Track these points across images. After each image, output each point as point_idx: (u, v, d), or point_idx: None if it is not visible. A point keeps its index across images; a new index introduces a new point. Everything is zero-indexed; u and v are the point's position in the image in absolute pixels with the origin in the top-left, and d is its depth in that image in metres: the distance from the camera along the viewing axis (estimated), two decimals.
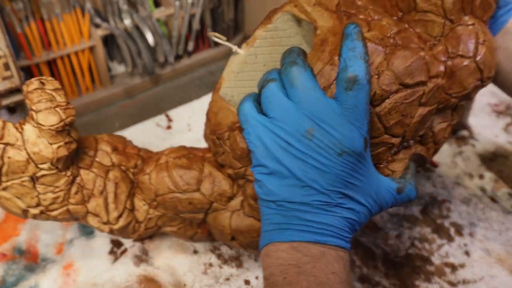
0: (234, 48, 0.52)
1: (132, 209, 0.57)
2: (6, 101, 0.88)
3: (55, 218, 0.55)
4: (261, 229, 0.41)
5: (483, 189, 0.74)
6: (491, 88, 0.95)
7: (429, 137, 0.48)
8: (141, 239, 0.64)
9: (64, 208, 0.54)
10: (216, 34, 0.53)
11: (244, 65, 0.52)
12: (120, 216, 0.55)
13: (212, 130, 0.51)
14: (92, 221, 0.56)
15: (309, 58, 0.42)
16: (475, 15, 0.46)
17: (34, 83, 0.51)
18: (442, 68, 0.44)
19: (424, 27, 0.45)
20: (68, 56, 1.25)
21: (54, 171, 0.51)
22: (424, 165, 0.51)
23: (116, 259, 0.63)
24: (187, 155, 0.56)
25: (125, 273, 0.61)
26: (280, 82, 0.38)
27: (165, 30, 1.36)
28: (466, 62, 0.45)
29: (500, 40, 0.50)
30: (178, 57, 1.35)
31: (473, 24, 0.45)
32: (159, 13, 1.33)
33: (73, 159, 0.54)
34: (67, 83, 1.31)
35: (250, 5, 1.53)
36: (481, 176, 0.76)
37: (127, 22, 1.27)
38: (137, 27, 1.28)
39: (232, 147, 0.48)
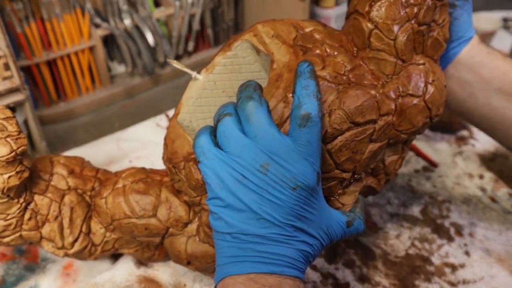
0: (193, 74, 0.53)
1: (88, 233, 0.56)
2: (6, 101, 0.88)
3: (7, 244, 0.54)
4: (215, 263, 0.41)
5: (483, 189, 0.74)
6: None
7: (380, 169, 0.49)
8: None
9: (17, 235, 0.53)
10: (174, 61, 0.54)
11: (203, 91, 0.52)
12: (75, 240, 0.55)
13: (169, 158, 0.51)
14: (46, 246, 0.55)
15: (264, 93, 0.43)
16: (426, 54, 0.48)
17: None
18: (392, 106, 0.45)
19: (377, 65, 0.46)
20: (68, 56, 1.25)
21: (5, 200, 0.51)
22: (375, 194, 0.52)
23: (116, 259, 0.63)
24: (144, 179, 0.56)
25: (125, 273, 0.61)
26: (236, 117, 0.39)
27: (165, 30, 1.36)
28: (415, 101, 0.46)
29: (452, 70, 0.53)
30: (178, 57, 1.35)
31: (423, 64, 0.47)
32: (159, 13, 1.33)
33: (26, 185, 0.53)
34: (67, 83, 1.30)
35: (250, 5, 1.53)
36: (481, 176, 0.76)
37: (127, 22, 1.27)
38: (137, 27, 1.28)
39: (187, 177, 0.49)
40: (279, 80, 0.43)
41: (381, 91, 0.45)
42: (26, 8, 1.15)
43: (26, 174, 0.51)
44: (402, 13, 0.45)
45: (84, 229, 0.56)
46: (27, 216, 0.53)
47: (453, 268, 0.63)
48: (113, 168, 0.78)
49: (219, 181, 0.38)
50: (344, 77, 0.44)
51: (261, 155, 0.38)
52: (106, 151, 0.82)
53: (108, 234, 0.57)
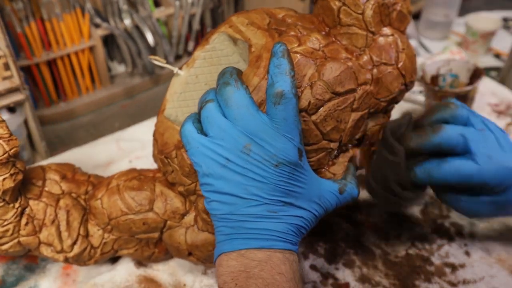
0: (175, 69, 0.54)
1: (86, 235, 0.56)
2: (6, 101, 0.88)
3: (5, 252, 0.54)
4: (215, 241, 0.44)
5: None
6: (491, 88, 0.95)
7: (365, 140, 0.52)
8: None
9: (15, 241, 0.54)
10: (157, 57, 0.55)
11: (186, 86, 0.54)
12: (74, 243, 0.55)
13: (160, 150, 0.52)
14: (45, 251, 0.55)
15: (246, 74, 0.45)
16: (393, 26, 0.51)
17: None
18: (369, 76, 0.48)
19: (349, 40, 0.49)
20: (68, 56, 1.25)
21: (1, 204, 0.51)
22: (362, 167, 0.53)
23: (116, 259, 0.63)
24: (137, 177, 0.56)
25: (125, 273, 0.61)
26: (217, 102, 0.41)
27: (165, 30, 1.35)
28: (389, 69, 0.49)
29: None
30: (178, 57, 1.34)
31: (392, 35, 0.50)
32: (159, 13, 1.32)
33: (21, 191, 0.53)
34: (67, 83, 1.30)
35: (250, 5, 1.52)
36: None
37: (127, 22, 1.27)
38: (137, 27, 1.28)
39: (180, 164, 0.50)
40: (259, 60, 0.45)
41: (356, 63, 0.48)
42: (26, 8, 1.14)
43: (20, 177, 0.51)
44: None
45: (82, 231, 0.56)
46: (23, 221, 0.53)
47: (453, 268, 0.63)
48: (113, 168, 0.78)
49: (206, 167, 0.40)
50: (320, 52, 0.46)
51: (242, 136, 0.39)
52: (106, 151, 0.82)
53: (106, 235, 0.57)
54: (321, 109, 0.45)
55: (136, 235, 0.56)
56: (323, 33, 0.50)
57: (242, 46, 0.51)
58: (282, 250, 0.41)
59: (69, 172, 0.59)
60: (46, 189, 0.56)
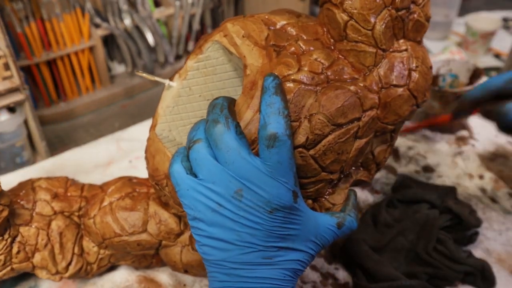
0: (166, 82, 0.50)
1: (81, 253, 0.56)
2: (6, 101, 0.88)
3: (0, 278, 0.54)
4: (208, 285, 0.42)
5: (483, 189, 0.74)
6: None
7: (370, 161, 0.48)
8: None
9: (8, 269, 0.53)
10: (144, 73, 0.51)
11: (179, 99, 0.51)
12: (69, 264, 0.55)
13: (151, 175, 0.50)
14: (40, 274, 0.55)
15: (239, 104, 0.41)
16: (408, 38, 0.46)
17: None
18: (376, 99, 0.44)
19: (357, 57, 0.44)
20: (68, 56, 1.24)
21: None
22: (367, 184, 0.51)
23: None
24: (130, 193, 0.55)
25: (125, 273, 0.61)
26: (207, 142, 0.39)
27: (165, 30, 1.35)
28: (399, 91, 0.44)
29: None
30: (178, 57, 1.34)
31: (405, 50, 0.45)
32: (159, 13, 1.32)
33: (9, 219, 0.52)
34: (67, 83, 1.30)
35: (250, 5, 1.52)
36: (481, 176, 0.76)
37: (127, 22, 1.27)
38: (137, 27, 1.28)
39: (172, 194, 0.48)
40: (253, 88, 0.41)
41: (362, 85, 0.43)
42: (26, 8, 1.14)
43: (5, 213, 0.50)
44: (377, 1, 0.42)
45: (76, 250, 0.55)
46: (15, 250, 0.52)
47: None
48: (113, 168, 0.78)
49: (197, 211, 0.38)
50: (322, 76, 0.42)
51: (233, 181, 0.37)
52: (106, 151, 0.82)
53: (102, 251, 0.56)
54: (320, 143, 0.41)
55: (131, 252, 0.56)
56: (328, 47, 0.45)
57: (237, 62, 0.47)
58: None
59: (61, 189, 0.57)
60: (37, 211, 0.54)
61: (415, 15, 0.45)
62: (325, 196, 0.45)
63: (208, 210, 0.38)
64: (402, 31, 0.45)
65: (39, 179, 0.58)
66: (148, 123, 0.90)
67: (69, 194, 0.57)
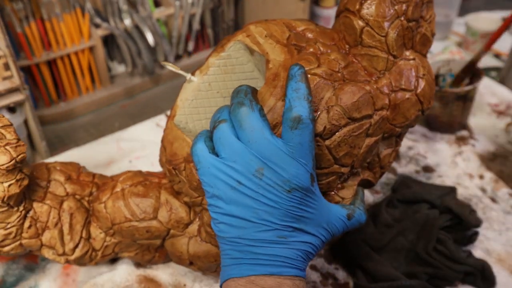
0: (188, 76, 0.53)
1: (88, 238, 0.56)
2: (6, 101, 0.88)
3: (7, 254, 0.54)
4: (221, 263, 0.43)
5: (483, 189, 0.74)
6: (491, 88, 0.95)
7: (375, 163, 0.51)
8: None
9: (17, 243, 0.53)
10: (170, 63, 0.53)
11: (198, 93, 0.53)
12: (76, 246, 0.55)
13: (168, 160, 0.51)
14: (47, 253, 0.55)
15: (262, 93, 0.44)
16: (415, 49, 0.50)
17: None
18: (386, 101, 0.47)
19: (370, 61, 0.48)
20: (68, 56, 1.25)
21: (5, 208, 0.50)
22: (371, 187, 0.53)
23: (116, 259, 0.63)
24: (143, 182, 0.56)
25: (125, 273, 0.61)
26: (231, 122, 0.40)
27: (165, 30, 1.36)
28: (408, 95, 0.48)
29: None
30: (178, 57, 1.34)
31: (413, 59, 0.49)
32: (159, 13, 1.32)
33: (25, 193, 0.52)
34: (67, 83, 1.30)
35: (250, 5, 1.53)
36: (481, 176, 0.76)
37: (127, 22, 1.27)
38: (137, 27, 1.28)
39: (189, 178, 0.49)
40: (276, 79, 0.44)
41: (375, 87, 0.47)
42: (26, 8, 1.14)
43: (25, 182, 0.50)
44: (391, 11, 0.47)
45: (84, 234, 0.56)
46: (26, 224, 0.53)
47: None
48: (113, 168, 0.78)
49: (216, 189, 0.39)
50: (339, 74, 0.45)
51: (255, 160, 0.38)
52: (106, 151, 0.82)
53: (108, 238, 0.56)
54: (336, 134, 0.44)
55: (138, 240, 0.56)
56: (343, 51, 0.48)
57: (259, 58, 0.49)
58: (291, 277, 0.40)
59: (74, 173, 0.58)
60: (51, 190, 0.55)
61: (423, 29, 0.49)
62: (335, 191, 0.48)
63: (227, 187, 0.39)
64: (411, 42, 0.49)
65: (53, 162, 0.59)
66: (148, 123, 0.90)
67: (81, 178, 0.58)
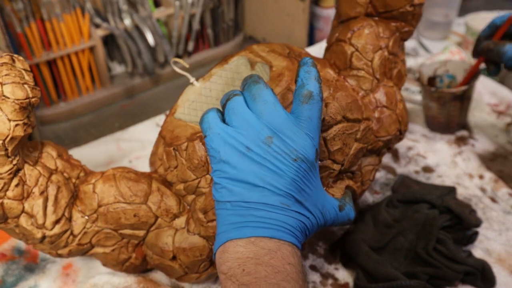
0: (192, 79, 0.58)
1: (70, 219, 0.54)
2: None
3: None
4: (216, 232, 0.43)
5: (483, 189, 0.74)
6: (491, 88, 0.95)
7: (358, 176, 0.56)
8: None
9: None
10: (180, 60, 0.57)
11: (199, 96, 0.57)
12: (57, 222, 0.53)
13: (169, 143, 0.53)
14: (25, 222, 0.52)
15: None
16: (393, 82, 0.58)
17: (5, 57, 0.49)
18: (373, 113, 0.55)
19: (357, 81, 0.56)
20: (68, 56, 1.25)
21: (2, 153, 0.48)
22: (355, 201, 0.56)
23: None
24: (134, 171, 0.55)
25: (124, 274, 0.61)
26: (244, 97, 0.43)
27: (165, 30, 1.36)
28: (389, 112, 0.56)
29: None
30: (178, 57, 1.34)
31: (392, 86, 0.57)
32: (159, 13, 1.32)
33: (19, 151, 0.51)
34: (67, 83, 1.30)
35: (250, 5, 1.53)
36: (481, 176, 0.76)
37: (127, 22, 1.27)
38: (137, 27, 1.28)
39: (190, 156, 0.51)
40: (280, 76, 0.49)
41: (362, 101, 0.54)
42: (26, 8, 1.14)
43: (30, 130, 0.50)
44: (377, 42, 0.56)
45: (66, 213, 0.54)
46: (14, 182, 0.50)
47: None
48: None
49: (224, 153, 0.41)
50: (333, 82, 0.52)
51: (265, 129, 0.40)
52: (106, 151, 0.82)
53: (88, 225, 0.54)
54: (332, 128, 0.49)
55: (121, 229, 0.54)
56: (335, 71, 0.55)
57: (260, 69, 0.54)
58: (291, 243, 0.41)
59: (65, 154, 0.57)
60: (42, 160, 0.54)
61: (398, 66, 0.59)
62: (325, 188, 0.52)
63: (236, 152, 0.40)
64: (390, 73, 0.58)
65: (46, 140, 0.58)
66: (148, 123, 0.90)
67: (71, 160, 0.57)
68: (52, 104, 1.37)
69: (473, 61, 1.12)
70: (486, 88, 0.95)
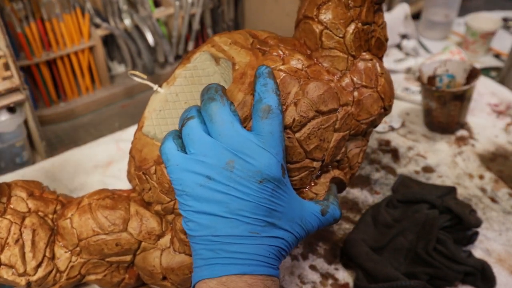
0: (155, 87, 0.54)
1: (53, 258, 0.52)
2: (6, 101, 0.88)
3: None
4: (193, 265, 0.42)
5: (483, 189, 0.74)
6: (491, 88, 0.95)
7: (345, 162, 0.52)
8: None
9: None
10: (137, 72, 0.54)
11: (166, 103, 0.54)
12: (39, 265, 0.51)
13: (138, 166, 0.51)
14: (6, 273, 0.50)
15: (230, 90, 0.45)
16: (372, 52, 0.52)
17: None
18: (350, 97, 0.49)
19: (331, 62, 0.50)
20: (68, 56, 1.25)
21: None
22: (343, 190, 0.54)
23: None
24: (110, 196, 0.53)
25: None
26: (200, 118, 0.41)
27: (165, 30, 1.36)
28: (369, 91, 0.51)
29: None
30: (178, 57, 1.34)
31: (371, 60, 0.52)
32: (159, 13, 1.32)
33: None
34: (67, 83, 1.30)
35: (250, 5, 1.53)
36: (481, 176, 0.76)
37: (127, 22, 1.27)
38: (137, 27, 1.28)
39: (160, 180, 0.49)
40: (243, 77, 0.46)
41: (338, 85, 0.49)
42: (26, 8, 1.14)
43: None
44: (347, 14, 0.50)
45: (48, 253, 0.52)
46: None
47: None
48: (113, 169, 0.78)
49: (185, 185, 0.39)
50: (303, 72, 0.47)
51: (225, 152, 0.39)
52: (106, 151, 0.82)
53: (74, 258, 0.53)
54: (305, 127, 0.46)
55: (107, 257, 0.53)
56: (305, 55, 0.50)
57: (225, 65, 0.51)
58: (263, 276, 0.40)
59: (37, 190, 0.55)
60: (12, 206, 0.52)
61: (376, 33, 0.52)
62: (308, 187, 0.49)
63: (196, 185, 0.39)
64: (367, 45, 0.52)
65: (14, 180, 0.56)
66: None
67: (44, 196, 0.55)
68: (52, 104, 1.37)
69: (473, 61, 1.13)
70: (486, 88, 0.95)
